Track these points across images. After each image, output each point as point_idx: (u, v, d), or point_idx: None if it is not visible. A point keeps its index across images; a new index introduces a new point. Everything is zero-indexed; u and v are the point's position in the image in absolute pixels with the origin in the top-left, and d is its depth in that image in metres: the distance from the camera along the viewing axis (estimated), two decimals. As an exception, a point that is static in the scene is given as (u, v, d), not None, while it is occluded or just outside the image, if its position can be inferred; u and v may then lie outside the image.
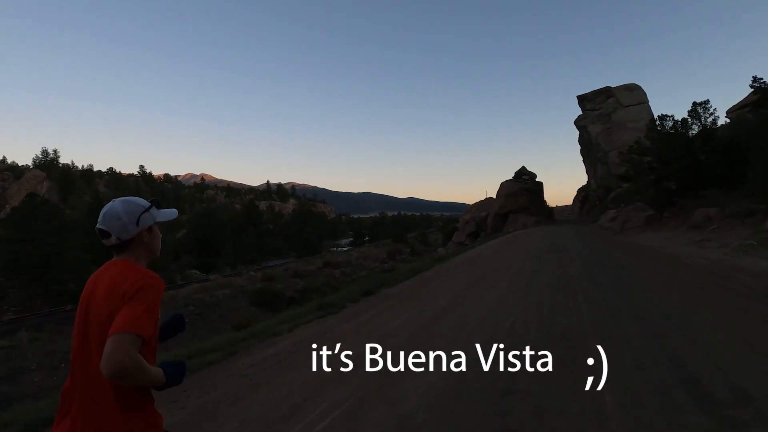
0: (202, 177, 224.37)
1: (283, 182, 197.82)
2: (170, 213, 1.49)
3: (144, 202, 1.42)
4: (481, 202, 57.24)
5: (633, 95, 46.88)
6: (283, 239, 75.04)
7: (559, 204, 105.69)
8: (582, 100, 51.50)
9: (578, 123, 51.24)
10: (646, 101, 46.46)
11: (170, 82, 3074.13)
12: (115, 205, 1.37)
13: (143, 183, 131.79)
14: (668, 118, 19.25)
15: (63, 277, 27.23)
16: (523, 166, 50.99)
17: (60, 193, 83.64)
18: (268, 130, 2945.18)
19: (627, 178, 38.66)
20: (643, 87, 47.54)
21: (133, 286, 1.23)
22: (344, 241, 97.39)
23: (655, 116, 21.73)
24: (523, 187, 48.58)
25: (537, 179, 52.04)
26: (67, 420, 1.25)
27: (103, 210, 1.35)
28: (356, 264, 41.78)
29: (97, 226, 1.34)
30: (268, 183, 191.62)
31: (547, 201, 55.72)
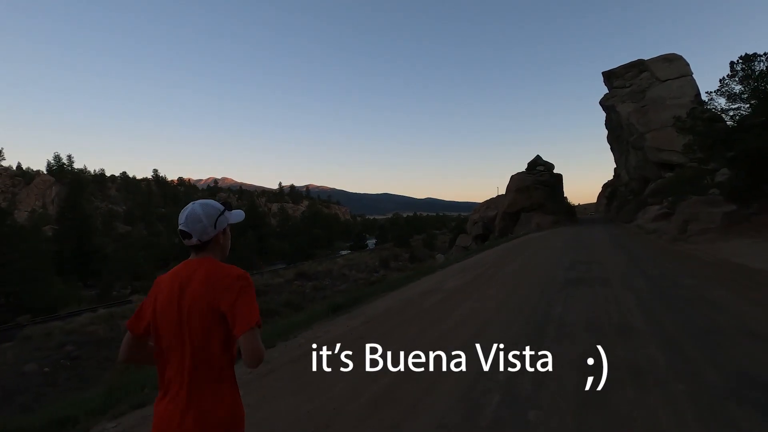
0: (215, 180, 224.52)
1: (301, 184, 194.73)
2: (238, 214, 1.53)
3: (219, 206, 1.46)
4: (491, 199, 49.89)
5: (672, 67, 38.92)
6: (291, 242, 70.29)
7: (582, 202, 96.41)
8: (609, 76, 43.79)
9: (604, 103, 43.39)
10: (690, 74, 38.41)
11: (191, 87, 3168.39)
12: (196, 208, 1.41)
13: (155, 187, 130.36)
14: (760, 59, 12.08)
15: (13, 290, 23.87)
16: (538, 155, 42.97)
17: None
18: (287, 133, 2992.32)
19: (670, 165, 30.88)
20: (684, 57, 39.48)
21: (238, 282, 1.33)
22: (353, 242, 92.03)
23: (703, 92, 14.87)
24: (538, 180, 40.75)
25: (554, 171, 44.17)
26: (166, 400, 1.31)
27: (185, 213, 1.40)
28: (338, 274, 35.53)
29: (180, 227, 1.40)
30: (280, 185, 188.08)
31: (567, 197, 47.86)
